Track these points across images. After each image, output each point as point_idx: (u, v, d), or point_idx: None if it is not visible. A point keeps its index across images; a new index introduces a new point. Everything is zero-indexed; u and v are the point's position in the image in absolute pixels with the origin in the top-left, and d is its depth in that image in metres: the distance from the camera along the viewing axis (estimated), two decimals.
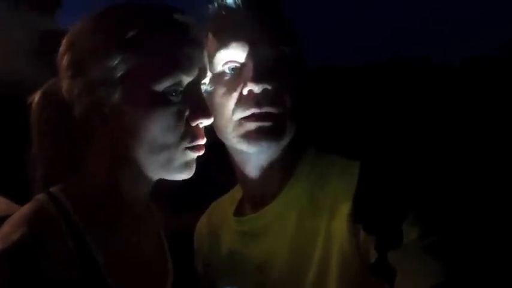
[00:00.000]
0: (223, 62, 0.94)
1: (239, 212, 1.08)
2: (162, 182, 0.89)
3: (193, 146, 0.84)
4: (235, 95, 0.93)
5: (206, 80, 0.90)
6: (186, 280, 0.97)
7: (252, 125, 0.92)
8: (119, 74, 0.79)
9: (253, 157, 0.98)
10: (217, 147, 1.03)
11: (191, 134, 0.83)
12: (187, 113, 0.82)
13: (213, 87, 0.96)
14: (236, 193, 1.13)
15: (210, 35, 0.97)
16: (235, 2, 0.96)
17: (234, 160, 1.04)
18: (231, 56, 0.93)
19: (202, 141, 0.86)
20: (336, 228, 0.90)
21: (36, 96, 0.88)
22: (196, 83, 0.85)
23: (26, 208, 0.80)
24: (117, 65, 0.79)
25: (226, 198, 1.18)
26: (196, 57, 0.84)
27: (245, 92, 0.92)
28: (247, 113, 0.92)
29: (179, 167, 0.84)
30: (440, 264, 0.76)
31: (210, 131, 0.90)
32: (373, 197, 0.86)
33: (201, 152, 0.86)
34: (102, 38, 0.80)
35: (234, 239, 1.06)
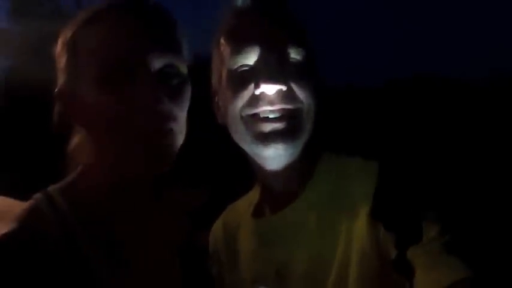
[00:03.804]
0: (236, 66, 0.96)
1: (258, 213, 1.08)
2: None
3: (152, 131, 0.80)
4: (247, 93, 0.94)
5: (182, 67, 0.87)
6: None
7: (266, 126, 0.93)
8: (74, 73, 0.83)
9: (272, 159, 0.98)
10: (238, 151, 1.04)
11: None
12: (136, 100, 0.80)
13: (225, 88, 0.98)
14: (254, 195, 1.13)
15: (222, 40, 0.98)
16: (244, 6, 0.98)
17: (252, 162, 1.04)
18: (243, 59, 0.95)
19: (149, 119, 0.80)
20: (356, 227, 0.89)
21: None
22: (146, 68, 0.80)
23: (23, 206, 0.82)
24: (69, 64, 0.83)
25: (243, 200, 1.18)
26: (136, 43, 0.81)
27: (257, 92, 0.93)
28: (258, 110, 0.93)
29: (143, 152, 0.80)
30: (462, 261, 0.75)
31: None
32: (393, 195, 0.86)
33: (160, 137, 0.81)
34: (57, 44, 0.86)
35: (253, 241, 1.05)
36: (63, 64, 0.85)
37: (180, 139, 0.86)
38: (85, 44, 0.81)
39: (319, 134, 1.01)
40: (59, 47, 0.86)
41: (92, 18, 0.82)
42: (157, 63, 0.82)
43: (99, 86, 0.79)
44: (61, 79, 0.86)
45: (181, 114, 0.86)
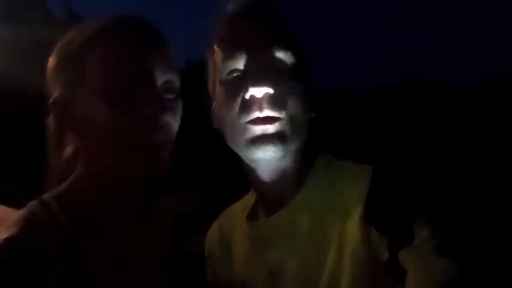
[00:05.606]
0: (228, 71, 0.97)
1: (252, 217, 1.09)
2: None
3: (149, 139, 0.85)
4: (239, 100, 0.95)
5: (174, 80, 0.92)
6: None
7: (257, 129, 0.93)
8: (76, 85, 0.85)
9: (263, 162, 0.98)
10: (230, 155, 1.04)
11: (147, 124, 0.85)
12: (142, 111, 0.84)
13: (218, 94, 0.99)
14: (249, 199, 1.14)
15: (214, 46, 1.00)
16: (235, 12, 0.99)
17: (246, 167, 1.04)
18: (234, 65, 0.96)
19: (156, 129, 0.86)
20: (349, 231, 0.90)
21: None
22: (152, 83, 0.86)
23: (19, 213, 0.83)
24: (70, 77, 0.85)
25: (238, 204, 1.19)
26: (145, 59, 0.86)
27: (247, 96, 0.93)
28: (252, 116, 0.93)
29: (137, 157, 0.85)
30: (451, 262, 0.76)
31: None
32: (386, 198, 0.87)
33: (160, 147, 0.87)
34: (55, 55, 0.88)
35: (246, 244, 1.05)
36: (64, 76, 0.86)
37: (172, 149, 0.92)
38: (93, 58, 0.84)
39: (313, 138, 1.02)
40: (58, 59, 0.88)
41: (99, 34, 0.86)
42: (161, 79, 0.88)
43: (107, 98, 0.82)
44: (56, 90, 0.87)
45: (176, 126, 0.92)
